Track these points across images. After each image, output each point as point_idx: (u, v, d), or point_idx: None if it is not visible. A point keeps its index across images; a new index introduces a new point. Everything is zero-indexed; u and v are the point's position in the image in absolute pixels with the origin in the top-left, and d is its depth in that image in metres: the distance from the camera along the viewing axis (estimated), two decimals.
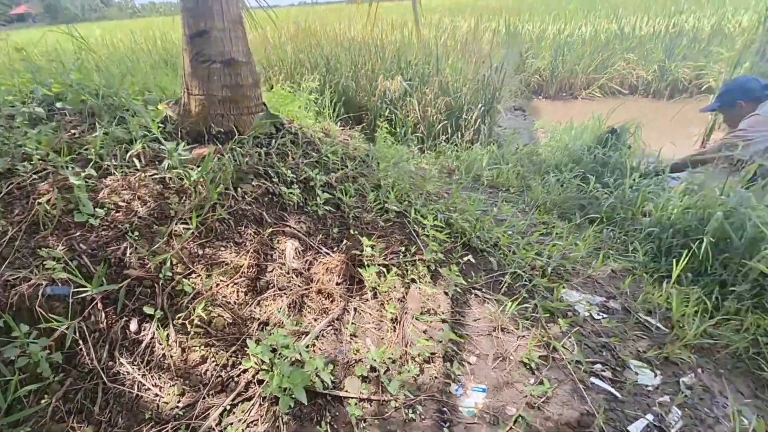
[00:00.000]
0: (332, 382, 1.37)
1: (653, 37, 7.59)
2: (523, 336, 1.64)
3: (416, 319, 1.65)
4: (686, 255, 1.87)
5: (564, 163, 3.30)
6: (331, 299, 1.69)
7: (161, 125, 2.02)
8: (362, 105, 5.03)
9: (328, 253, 1.88)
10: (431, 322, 1.65)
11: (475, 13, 10.72)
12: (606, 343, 1.64)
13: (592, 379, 1.49)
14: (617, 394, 1.44)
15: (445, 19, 10.97)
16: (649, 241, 2.22)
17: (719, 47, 6.71)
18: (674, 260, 1.90)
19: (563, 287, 1.92)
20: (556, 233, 2.38)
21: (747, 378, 1.54)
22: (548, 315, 1.75)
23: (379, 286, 1.74)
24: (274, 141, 2.20)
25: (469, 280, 1.90)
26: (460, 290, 1.82)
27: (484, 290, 1.89)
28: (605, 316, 1.79)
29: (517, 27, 8.32)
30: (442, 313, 1.69)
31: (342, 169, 2.27)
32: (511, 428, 1.32)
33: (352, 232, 1.97)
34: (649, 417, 1.36)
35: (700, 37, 7.45)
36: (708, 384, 1.49)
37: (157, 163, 1.86)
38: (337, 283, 1.74)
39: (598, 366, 1.55)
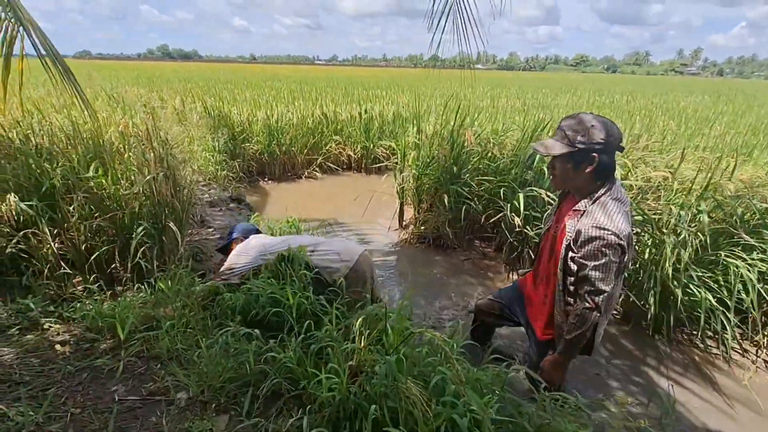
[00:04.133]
0: None
1: (352, 121, 8.54)
2: None
3: None
4: None
5: (247, 304, 2.56)
6: None
7: None
8: None
9: None
10: None
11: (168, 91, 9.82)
12: None
13: None
14: None
15: (152, 94, 9.62)
16: None
17: (401, 131, 8.02)
18: None
19: None
20: None
21: None
22: None
23: None
24: None
25: None
26: None
27: None
28: None
29: (222, 110, 7.85)
30: None
31: None
32: None
33: None
34: None
35: (388, 120, 8.85)
36: None
37: None
38: None
39: None
